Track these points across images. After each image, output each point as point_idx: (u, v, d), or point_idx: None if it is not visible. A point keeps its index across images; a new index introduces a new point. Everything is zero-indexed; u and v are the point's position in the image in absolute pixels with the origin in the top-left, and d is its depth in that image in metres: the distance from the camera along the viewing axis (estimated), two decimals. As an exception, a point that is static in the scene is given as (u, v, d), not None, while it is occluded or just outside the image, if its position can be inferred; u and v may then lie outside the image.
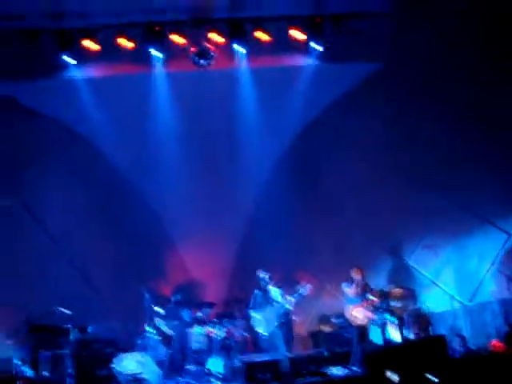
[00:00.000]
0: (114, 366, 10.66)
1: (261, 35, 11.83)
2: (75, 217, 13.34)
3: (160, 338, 11.73)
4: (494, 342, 10.44)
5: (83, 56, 11.82)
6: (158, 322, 11.69)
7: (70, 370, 10.43)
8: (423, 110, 12.25)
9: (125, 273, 13.45)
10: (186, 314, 11.83)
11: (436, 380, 8.38)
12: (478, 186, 11.60)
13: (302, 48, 12.23)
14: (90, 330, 11.64)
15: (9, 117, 12.38)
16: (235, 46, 11.93)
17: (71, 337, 10.88)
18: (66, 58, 11.65)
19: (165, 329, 11.67)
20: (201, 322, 12.25)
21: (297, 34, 11.95)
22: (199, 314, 12.39)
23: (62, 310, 10.92)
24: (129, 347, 11.76)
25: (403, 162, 12.64)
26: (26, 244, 12.75)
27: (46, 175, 12.98)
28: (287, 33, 11.96)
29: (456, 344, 10.83)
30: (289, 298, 11.24)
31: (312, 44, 12.04)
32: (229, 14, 11.82)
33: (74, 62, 11.79)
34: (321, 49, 12.06)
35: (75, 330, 11.11)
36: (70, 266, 13.19)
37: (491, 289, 11.49)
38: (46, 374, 10.90)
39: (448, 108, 11.92)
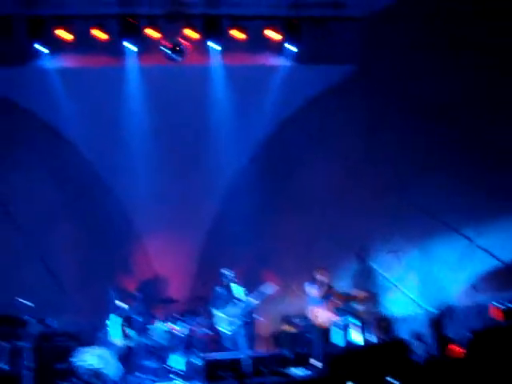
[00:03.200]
0: (73, 359, 10.57)
1: (236, 33, 11.83)
2: (43, 209, 13.17)
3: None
4: (455, 347, 10.54)
5: (56, 45, 11.66)
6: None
7: (28, 363, 10.29)
8: (395, 114, 12.33)
9: (90, 266, 13.34)
10: (143, 310, 11.70)
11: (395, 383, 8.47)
12: (444, 193, 11.72)
13: (277, 48, 12.24)
14: (49, 322, 11.53)
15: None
16: (210, 42, 11.91)
17: (30, 329, 10.75)
18: (38, 46, 11.50)
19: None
20: (161, 319, 12.25)
21: (273, 34, 11.98)
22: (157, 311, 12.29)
23: (23, 301, 10.79)
24: (90, 341, 11.69)
25: (372, 166, 12.71)
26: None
27: (15, 165, 12.80)
28: (263, 32, 11.98)
29: (417, 348, 10.93)
30: (252, 296, 11.25)
31: (287, 45, 12.10)
32: (205, 10, 11.79)
33: (46, 50, 11.63)
34: (296, 50, 12.14)
35: (35, 321, 11.00)
36: (36, 259, 13.03)
37: (454, 295, 11.61)
38: (3, 365, 10.75)
39: (419, 112, 12.01)
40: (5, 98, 12.22)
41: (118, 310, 11.58)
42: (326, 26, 11.90)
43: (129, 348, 11.40)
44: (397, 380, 8.46)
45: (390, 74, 12.19)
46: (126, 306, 11.65)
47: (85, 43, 11.64)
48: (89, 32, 11.51)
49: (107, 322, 11.45)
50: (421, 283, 12.21)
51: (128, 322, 11.53)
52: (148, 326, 11.91)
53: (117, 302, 11.63)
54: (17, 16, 11.28)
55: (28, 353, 10.39)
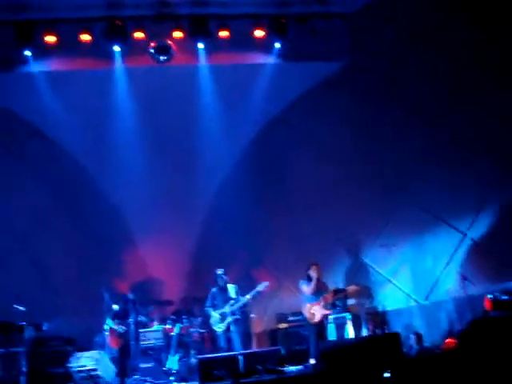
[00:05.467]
0: (69, 364, 10.58)
1: (223, 33, 11.83)
2: (35, 214, 13.20)
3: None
4: (448, 339, 10.58)
5: (42, 49, 11.62)
6: (108, 321, 11.59)
7: (23, 368, 10.29)
8: (384, 110, 12.33)
9: (84, 270, 13.38)
10: (133, 316, 11.70)
11: (389, 376, 8.48)
12: (435, 186, 11.72)
13: (264, 46, 12.23)
14: (45, 327, 11.53)
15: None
16: (196, 42, 11.91)
17: (26, 334, 10.76)
18: (25, 51, 11.51)
19: (116, 327, 11.56)
20: (156, 320, 12.29)
21: (259, 33, 11.98)
22: (141, 317, 12.27)
23: (18, 307, 10.81)
24: (86, 345, 11.70)
25: (362, 161, 12.71)
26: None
27: (5, 171, 12.81)
28: (249, 31, 11.96)
29: (411, 342, 10.95)
30: (246, 295, 11.27)
31: (274, 43, 12.09)
32: (191, 10, 11.79)
33: (32, 55, 11.65)
34: (282, 47, 12.13)
35: (30, 327, 11.00)
36: (29, 264, 13.05)
37: (446, 287, 11.64)
38: (-1, 372, 10.77)
39: (408, 108, 12.03)
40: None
41: (112, 313, 11.62)
42: (311, 22, 11.89)
43: (125, 350, 11.44)
44: (390, 374, 8.49)
45: (377, 69, 12.20)
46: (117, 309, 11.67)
47: (71, 46, 11.64)
48: (75, 35, 11.50)
49: (104, 325, 11.48)
50: (414, 277, 12.25)
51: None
52: (144, 328, 12.01)
53: (111, 304, 11.67)
54: (3, 21, 11.28)
55: (23, 358, 10.39)
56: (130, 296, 11.87)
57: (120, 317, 11.59)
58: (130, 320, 11.56)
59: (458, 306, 11.13)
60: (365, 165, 12.66)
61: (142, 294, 12.48)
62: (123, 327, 11.43)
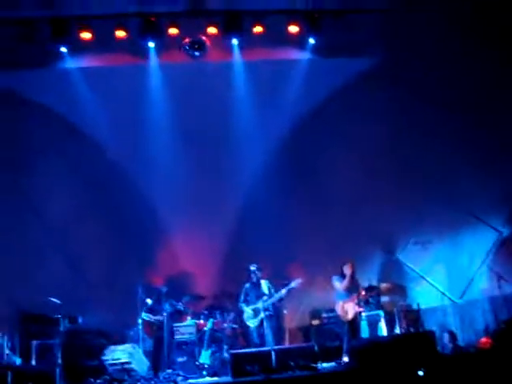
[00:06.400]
0: (103, 356, 10.70)
1: (257, 28, 11.82)
2: (70, 208, 13.31)
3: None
4: (483, 339, 10.45)
5: (78, 45, 11.75)
6: (144, 314, 11.68)
7: (59, 360, 10.43)
8: (419, 106, 12.23)
9: (118, 264, 13.47)
10: (167, 307, 11.79)
11: (422, 374, 8.41)
12: (472, 184, 11.62)
13: (298, 42, 12.20)
14: (80, 320, 11.70)
15: (4, 108, 12.34)
16: (230, 38, 11.92)
17: (61, 327, 10.91)
18: (60, 47, 11.64)
19: (150, 319, 11.64)
20: (180, 314, 12.35)
21: (294, 29, 11.94)
22: (179, 305, 12.31)
23: (53, 300, 10.95)
24: (120, 338, 11.82)
25: (397, 158, 12.63)
26: (20, 235, 12.71)
27: (42, 166, 12.96)
28: (283, 26, 11.93)
29: (445, 340, 10.86)
30: (279, 291, 11.28)
31: (309, 38, 12.05)
32: (225, 6, 11.80)
33: (68, 51, 11.77)
34: (316, 43, 12.07)
35: (65, 320, 11.16)
36: (64, 258, 13.19)
37: (481, 286, 11.52)
38: (35, 363, 10.93)
39: (444, 104, 11.90)
40: (28, 99, 12.34)
41: (146, 307, 11.71)
42: (345, 18, 11.81)
43: (159, 344, 11.52)
44: (424, 372, 8.43)
45: (411, 66, 12.10)
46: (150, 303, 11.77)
47: (107, 42, 11.75)
48: (110, 31, 11.59)
49: (138, 319, 11.58)
50: (448, 275, 12.14)
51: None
52: (179, 319, 12.08)
53: (145, 298, 11.75)
54: (39, 18, 11.41)
55: (58, 350, 10.54)
56: (163, 289, 11.96)
57: (153, 310, 11.66)
58: (164, 313, 11.64)
59: (493, 305, 11.02)
60: (399, 161, 12.59)
61: (175, 288, 12.52)
62: (158, 318, 11.51)
